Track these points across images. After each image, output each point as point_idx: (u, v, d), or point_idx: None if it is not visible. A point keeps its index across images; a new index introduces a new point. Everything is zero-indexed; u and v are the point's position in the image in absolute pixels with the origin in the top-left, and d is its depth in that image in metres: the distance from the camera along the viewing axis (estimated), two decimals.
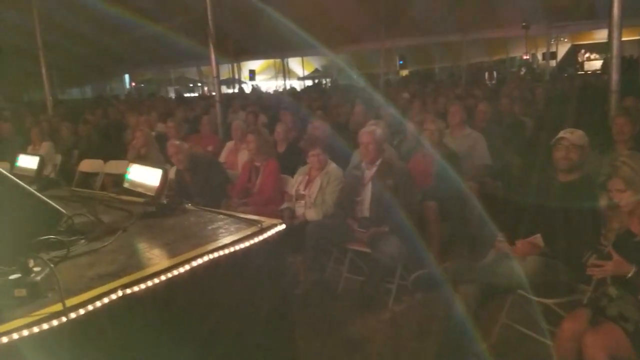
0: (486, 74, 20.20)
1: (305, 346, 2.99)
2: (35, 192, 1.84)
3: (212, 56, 7.68)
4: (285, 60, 19.49)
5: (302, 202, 4.02)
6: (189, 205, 2.46)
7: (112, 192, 2.89)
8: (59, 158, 6.44)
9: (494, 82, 17.33)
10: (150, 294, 1.64)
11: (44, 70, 10.05)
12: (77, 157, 6.68)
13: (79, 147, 6.84)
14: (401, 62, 18.20)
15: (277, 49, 17.06)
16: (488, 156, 4.81)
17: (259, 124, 7.15)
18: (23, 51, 18.16)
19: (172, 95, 21.50)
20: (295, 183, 4.21)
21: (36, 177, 3.20)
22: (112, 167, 5.69)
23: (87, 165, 5.92)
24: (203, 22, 7.05)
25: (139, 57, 17.83)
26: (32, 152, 6.19)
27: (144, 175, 2.49)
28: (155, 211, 2.35)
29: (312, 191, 3.97)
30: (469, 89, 10.37)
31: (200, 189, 4.22)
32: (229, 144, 5.72)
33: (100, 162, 5.81)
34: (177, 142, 4.48)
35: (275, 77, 22.94)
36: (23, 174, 3.29)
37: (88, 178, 6.10)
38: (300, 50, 18.26)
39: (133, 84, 19.82)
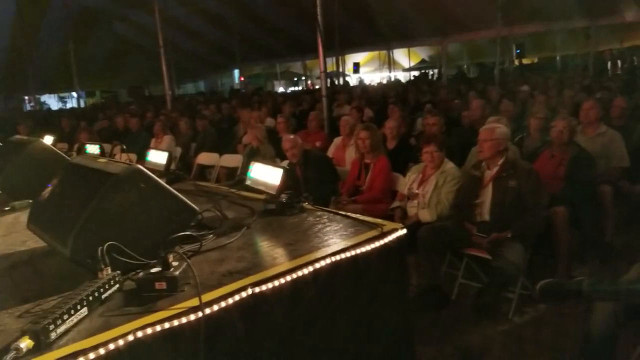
0: (609, 64, 18.04)
1: (418, 353, 2.86)
2: (174, 191, 1.93)
3: (320, 50, 7.76)
4: (391, 51, 19.12)
5: (415, 201, 3.86)
6: (306, 204, 2.45)
7: (233, 188, 2.97)
8: (178, 151, 6.91)
9: (618, 72, 15.45)
10: (277, 294, 1.65)
11: (164, 68, 10.88)
12: (194, 150, 7.15)
13: (196, 140, 7.29)
14: (518, 51, 16.92)
15: (384, 40, 16.80)
16: (626, 157, 4.28)
17: (366, 119, 7.08)
18: (143, 48, 20.06)
19: (280, 89, 22.21)
20: (407, 181, 4.05)
21: (165, 171, 3.45)
22: (227, 160, 6.01)
23: (204, 158, 6.30)
24: (311, 14, 7.08)
25: (248, 52, 18.67)
26: (155, 146, 6.73)
27: (266, 174, 2.57)
28: (275, 209, 2.38)
29: (426, 190, 3.79)
30: (600, 80, 9.32)
31: (311, 184, 4.24)
32: (337, 140, 5.70)
33: (215, 155, 6.16)
34: (292, 137, 4.54)
35: (380, 68, 22.70)
36: (154, 168, 3.57)
37: (204, 170, 6.52)
38: (407, 42, 17.80)
39: (241, 78, 20.84)
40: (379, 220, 2.12)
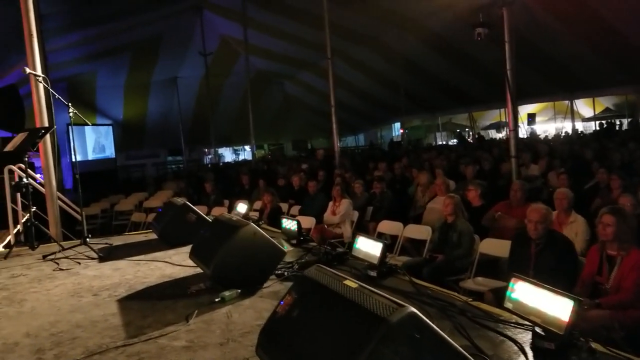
0: None
1: None
2: (452, 343, 1.46)
3: (509, 104, 7.08)
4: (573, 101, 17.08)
5: None
6: None
7: None
8: (355, 215, 6.62)
9: None
10: None
11: (334, 125, 11.06)
12: (371, 214, 6.80)
13: (373, 203, 6.95)
14: None
15: (564, 89, 15.15)
16: None
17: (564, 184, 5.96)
18: (307, 105, 21.23)
19: (441, 141, 21.29)
20: None
21: (379, 263, 3.05)
22: (412, 231, 5.48)
23: (386, 226, 5.84)
24: (477, 65, 6.44)
25: (409, 104, 18.49)
26: (333, 209, 6.53)
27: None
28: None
29: None
30: None
31: (545, 270, 3.50)
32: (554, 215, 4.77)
33: (398, 225, 5.67)
34: (541, 206, 3.79)
35: (554, 118, 20.52)
36: (365, 259, 3.21)
37: (380, 236, 6.06)
38: (593, 91, 15.78)
39: (401, 130, 20.63)
40: None
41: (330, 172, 9.50)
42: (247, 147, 22.84)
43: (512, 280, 2.15)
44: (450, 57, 14.26)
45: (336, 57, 11.48)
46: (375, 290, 1.68)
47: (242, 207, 5.97)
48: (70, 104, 5.03)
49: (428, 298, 2.56)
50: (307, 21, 13.72)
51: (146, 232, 5.97)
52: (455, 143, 21.23)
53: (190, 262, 3.82)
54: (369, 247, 3.21)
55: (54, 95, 5.23)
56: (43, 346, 2.52)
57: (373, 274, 2.99)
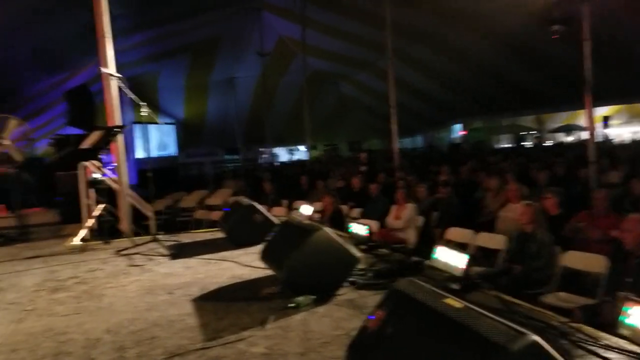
0: None
1: None
2: None
3: (588, 105, 6.66)
4: None
5: None
6: None
7: None
8: (420, 220, 6.41)
9: None
10: None
11: (393, 127, 10.84)
12: (437, 221, 6.55)
13: (438, 209, 6.70)
14: None
15: None
16: None
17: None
18: (363, 105, 21.01)
19: (504, 144, 20.29)
20: None
21: (464, 277, 2.87)
22: (485, 240, 5.19)
23: (456, 234, 5.57)
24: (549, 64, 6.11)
25: (470, 106, 17.88)
26: (396, 214, 6.35)
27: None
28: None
29: None
30: None
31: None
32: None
33: (469, 232, 5.40)
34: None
35: (628, 122, 19.16)
36: (447, 271, 3.05)
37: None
38: None
39: (462, 132, 20.00)
40: None
41: (387, 173, 9.30)
42: (301, 147, 22.93)
43: (627, 304, 1.92)
44: (519, 56, 13.59)
45: (395, 57, 11.25)
46: (484, 312, 1.53)
47: (305, 209, 5.91)
48: (144, 103, 5.16)
49: (521, 317, 2.37)
50: (366, 20, 13.54)
51: (212, 231, 6.05)
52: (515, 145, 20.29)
53: (259, 264, 3.79)
54: (450, 257, 3.05)
55: (125, 95, 5.39)
56: (124, 344, 2.54)
57: (455, 286, 2.82)
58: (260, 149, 23.30)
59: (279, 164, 21.68)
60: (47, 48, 10.50)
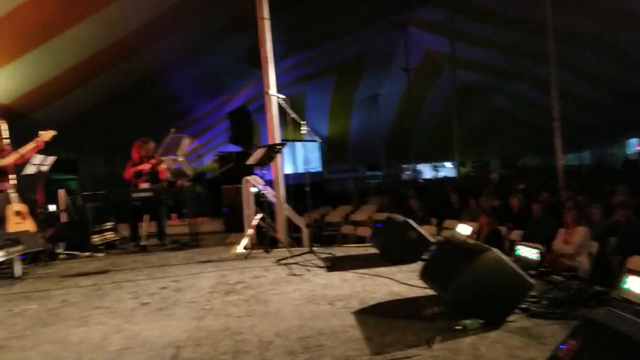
0: None
1: None
2: None
3: None
4: None
5: None
6: None
7: None
8: (594, 246, 5.66)
9: None
10: None
11: (557, 141, 9.92)
12: (615, 246, 5.74)
13: (615, 233, 5.86)
14: None
15: None
16: None
17: None
18: (516, 118, 19.49)
19: None
20: None
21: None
22: None
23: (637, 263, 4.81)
24: None
25: None
26: (565, 238, 5.70)
27: None
28: None
29: None
30: None
31: None
32: None
33: None
34: None
35: None
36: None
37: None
38: None
39: (639, 147, 17.33)
40: None
41: (550, 192, 8.43)
42: (447, 163, 22.13)
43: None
44: None
45: (557, 64, 10.30)
46: None
47: (463, 228, 5.64)
48: (304, 122, 5.44)
49: None
50: (521, 28, 12.67)
51: (364, 246, 6.11)
52: None
53: (416, 282, 3.69)
54: None
55: (287, 115, 5.75)
56: (294, 349, 2.64)
57: None
58: (403, 165, 23.07)
59: (422, 180, 21.19)
60: (213, 73, 11.84)
